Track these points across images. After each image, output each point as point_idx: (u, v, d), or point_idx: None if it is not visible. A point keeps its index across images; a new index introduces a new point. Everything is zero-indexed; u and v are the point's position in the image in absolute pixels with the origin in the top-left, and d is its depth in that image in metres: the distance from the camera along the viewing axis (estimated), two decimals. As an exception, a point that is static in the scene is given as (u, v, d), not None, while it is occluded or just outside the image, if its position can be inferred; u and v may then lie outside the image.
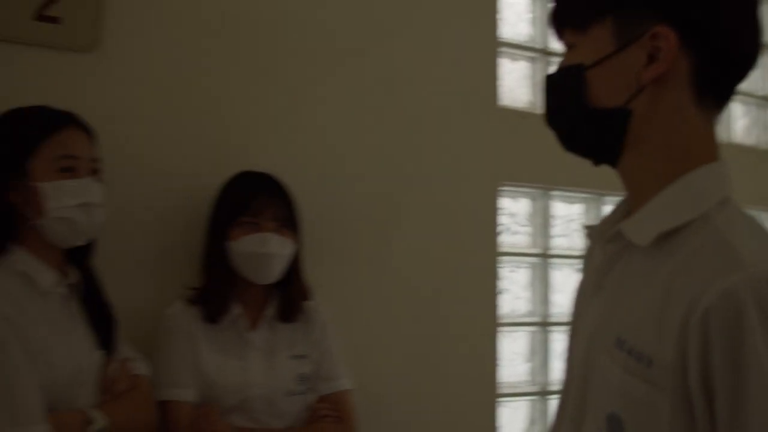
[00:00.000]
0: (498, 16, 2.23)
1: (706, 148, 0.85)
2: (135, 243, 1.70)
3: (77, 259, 1.45)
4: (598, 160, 0.91)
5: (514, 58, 2.37)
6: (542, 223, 2.39)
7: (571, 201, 2.47)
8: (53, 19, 1.57)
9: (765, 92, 2.89)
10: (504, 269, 2.28)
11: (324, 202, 1.90)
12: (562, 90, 0.90)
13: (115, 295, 1.58)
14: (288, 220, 1.65)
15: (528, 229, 2.39)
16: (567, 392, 0.95)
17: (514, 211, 2.35)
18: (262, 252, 1.59)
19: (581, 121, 0.89)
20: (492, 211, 2.17)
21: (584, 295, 0.96)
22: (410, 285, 2.04)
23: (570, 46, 0.90)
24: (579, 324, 0.95)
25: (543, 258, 2.38)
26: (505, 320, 2.25)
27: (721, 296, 0.72)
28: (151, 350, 1.60)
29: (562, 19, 0.91)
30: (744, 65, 0.85)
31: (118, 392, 1.43)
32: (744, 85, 0.89)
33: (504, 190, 2.23)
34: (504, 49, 2.30)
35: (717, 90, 0.85)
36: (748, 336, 0.70)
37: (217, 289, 1.62)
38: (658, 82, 0.82)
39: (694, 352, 0.73)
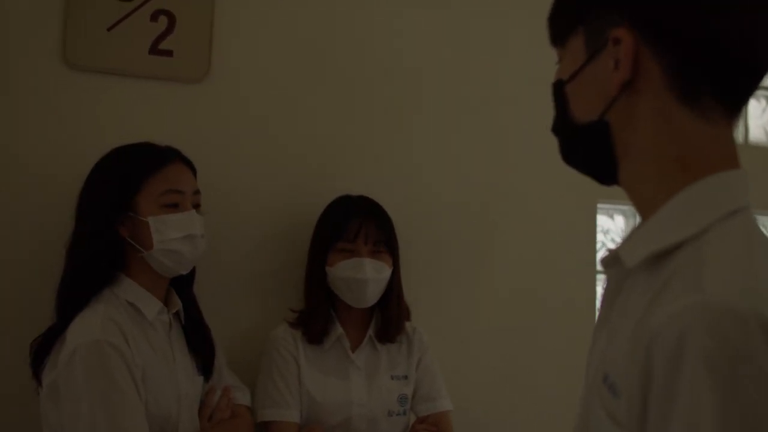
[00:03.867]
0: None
1: (712, 155, 0.72)
2: (241, 267, 1.75)
3: (179, 287, 1.49)
4: (597, 178, 0.82)
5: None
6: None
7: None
8: (167, 53, 1.64)
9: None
10: (602, 287, 2.22)
11: (420, 223, 1.91)
12: (555, 107, 0.84)
13: (222, 319, 1.63)
14: (384, 242, 1.64)
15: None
16: None
17: (607, 228, 2.30)
18: (357, 278, 1.59)
19: (569, 138, 0.83)
20: (590, 229, 2.13)
21: (595, 330, 0.84)
22: (508, 304, 2.01)
23: (559, 61, 0.84)
24: (588, 361, 0.84)
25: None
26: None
27: (666, 322, 0.62)
28: (257, 372, 1.64)
29: (550, 35, 0.84)
30: (740, 61, 0.71)
31: (220, 420, 1.46)
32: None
33: (601, 208, 2.18)
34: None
35: (716, 91, 0.72)
36: (686, 367, 0.59)
37: (319, 312, 1.64)
38: (630, 90, 0.73)
39: (638, 383, 0.64)
